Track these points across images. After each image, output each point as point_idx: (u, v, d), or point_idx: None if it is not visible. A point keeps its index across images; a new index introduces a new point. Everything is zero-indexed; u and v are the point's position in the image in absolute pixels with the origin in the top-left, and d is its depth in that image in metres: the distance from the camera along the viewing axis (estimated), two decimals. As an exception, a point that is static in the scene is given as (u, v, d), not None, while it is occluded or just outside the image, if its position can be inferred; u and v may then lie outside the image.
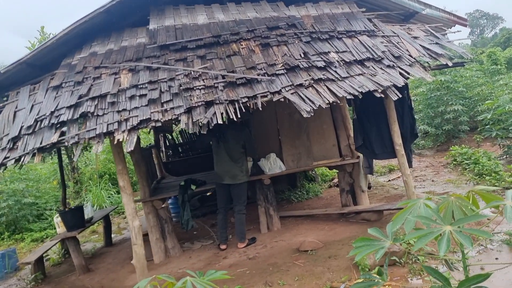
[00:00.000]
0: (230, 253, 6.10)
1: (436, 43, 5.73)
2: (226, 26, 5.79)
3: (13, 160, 4.24)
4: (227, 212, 6.39)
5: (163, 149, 10.97)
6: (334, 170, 8.86)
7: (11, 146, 4.41)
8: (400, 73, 5.09)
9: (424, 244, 1.93)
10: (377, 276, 2.41)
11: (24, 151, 4.26)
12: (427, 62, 5.42)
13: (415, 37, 5.82)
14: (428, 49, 5.52)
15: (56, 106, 4.67)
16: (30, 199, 11.40)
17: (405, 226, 2.10)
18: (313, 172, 10.52)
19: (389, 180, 10.00)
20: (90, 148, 13.27)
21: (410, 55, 5.40)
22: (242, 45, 5.50)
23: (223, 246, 6.26)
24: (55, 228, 9.65)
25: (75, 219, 6.90)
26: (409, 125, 6.01)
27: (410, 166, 5.93)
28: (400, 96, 4.84)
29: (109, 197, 12.66)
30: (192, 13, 6.05)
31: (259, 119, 6.91)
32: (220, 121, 4.23)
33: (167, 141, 11.49)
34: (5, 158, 4.28)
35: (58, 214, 7.29)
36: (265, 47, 5.47)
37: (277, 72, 4.96)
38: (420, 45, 5.60)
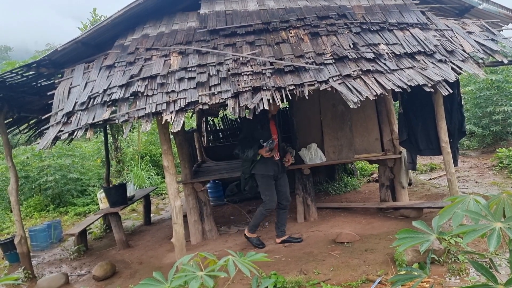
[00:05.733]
0: (266, 239, 6.16)
1: (492, 39, 5.53)
2: (276, 14, 5.80)
3: (67, 134, 4.41)
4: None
5: (205, 133, 11.14)
6: (374, 164, 8.76)
7: (65, 120, 4.59)
8: (452, 68, 4.95)
9: (472, 239, 1.91)
10: (419, 270, 2.40)
11: (77, 126, 4.43)
12: (481, 59, 5.25)
13: (470, 32, 5.63)
14: (483, 45, 5.34)
15: (109, 85, 4.82)
16: (75, 174, 11.89)
17: (453, 220, 2.07)
18: (352, 165, 10.43)
19: (430, 179, 9.78)
20: (133, 129, 13.71)
21: (463, 50, 5.24)
22: (291, 33, 5.49)
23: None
24: (97, 204, 10.06)
25: (118, 195, 7.15)
26: (457, 122, 5.85)
27: (456, 165, 5.78)
28: (451, 91, 4.72)
29: (149, 178, 13.02)
30: (242, -1, 6.09)
31: (302, 108, 6.90)
32: (266, 107, 4.27)
33: (208, 126, 11.67)
34: (60, 131, 4.46)
35: (102, 190, 7.58)
36: (314, 36, 5.44)
37: (325, 62, 4.93)
38: (475, 40, 5.42)
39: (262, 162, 5.52)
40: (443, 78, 4.72)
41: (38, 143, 4.55)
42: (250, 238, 5.92)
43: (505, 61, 5.23)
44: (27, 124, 7.78)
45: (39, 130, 7.71)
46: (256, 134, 5.46)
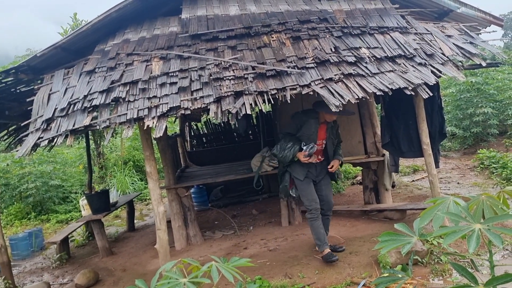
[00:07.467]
0: (250, 244, 6.15)
1: (470, 43, 5.63)
2: (258, 18, 5.80)
3: (47, 141, 4.34)
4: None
5: (188, 138, 11.10)
6: (358, 167, 8.80)
7: (44, 127, 4.51)
8: (432, 72, 5.02)
9: (453, 241, 1.92)
10: (402, 272, 2.41)
11: (57, 132, 4.37)
12: (460, 62, 5.33)
13: (449, 36, 5.73)
14: (461, 48, 5.43)
15: (89, 90, 4.76)
16: (57, 181, 11.70)
17: (433, 222, 2.09)
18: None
19: (413, 180, 9.89)
20: (116, 134, 13.57)
21: (443, 54, 5.32)
22: (273, 37, 5.50)
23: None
24: (79, 211, 9.92)
25: (101, 202, 7.06)
26: (438, 124, 5.93)
27: (437, 166, 5.86)
28: (431, 94, 4.78)
29: (132, 183, 12.90)
30: (224, 3, 6.07)
31: (285, 112, 6.90)
32: (248, 112, 4.26)
33: (192, 131, 11.62)
34: (39, 138, 4.39)
35: (84, 197, 7.48)
36: (296, 40, 5.46)
37: (307, 66, 4.95)
38: (454, 43, 5.51)
39: (299, 163, 5.07)
40: (423, 81, 4.78)
41: (17, 151, 4.47)
42: (323, 257, 5.11)
43: (484, 64, 5.33)
44: (6, 131, 7.64)
45: (19, 137, 7.57)
46: (302, 134, 5.03)
